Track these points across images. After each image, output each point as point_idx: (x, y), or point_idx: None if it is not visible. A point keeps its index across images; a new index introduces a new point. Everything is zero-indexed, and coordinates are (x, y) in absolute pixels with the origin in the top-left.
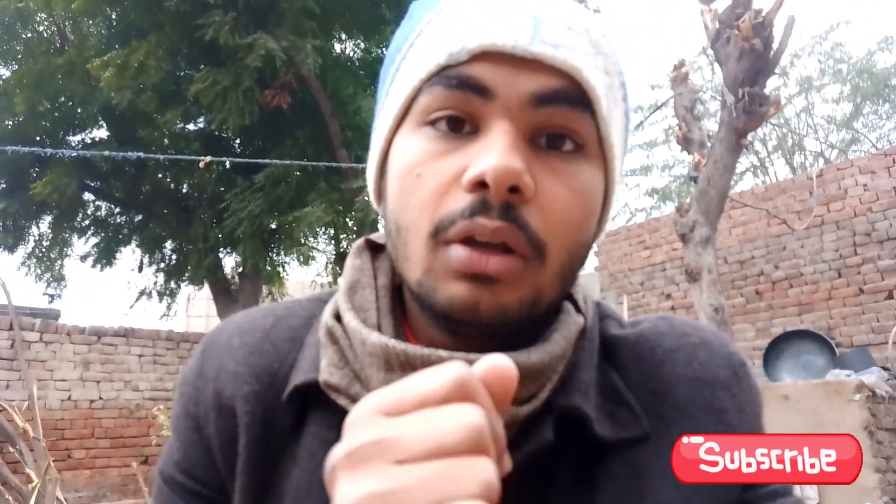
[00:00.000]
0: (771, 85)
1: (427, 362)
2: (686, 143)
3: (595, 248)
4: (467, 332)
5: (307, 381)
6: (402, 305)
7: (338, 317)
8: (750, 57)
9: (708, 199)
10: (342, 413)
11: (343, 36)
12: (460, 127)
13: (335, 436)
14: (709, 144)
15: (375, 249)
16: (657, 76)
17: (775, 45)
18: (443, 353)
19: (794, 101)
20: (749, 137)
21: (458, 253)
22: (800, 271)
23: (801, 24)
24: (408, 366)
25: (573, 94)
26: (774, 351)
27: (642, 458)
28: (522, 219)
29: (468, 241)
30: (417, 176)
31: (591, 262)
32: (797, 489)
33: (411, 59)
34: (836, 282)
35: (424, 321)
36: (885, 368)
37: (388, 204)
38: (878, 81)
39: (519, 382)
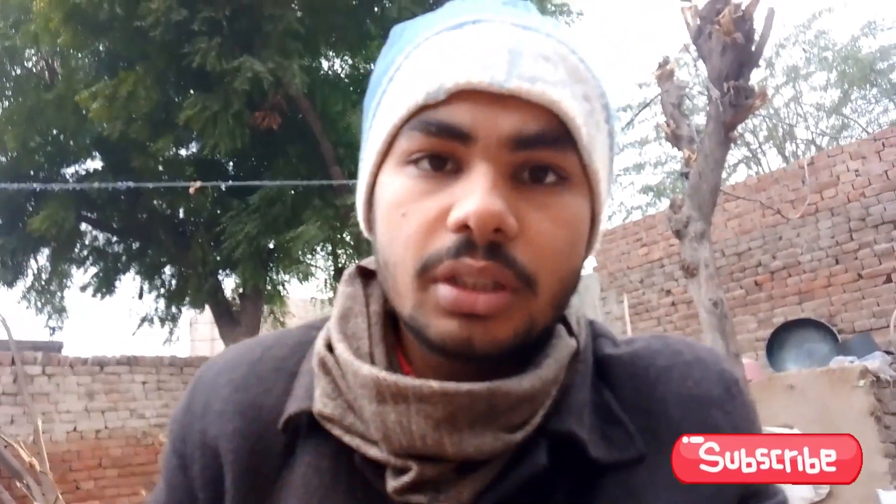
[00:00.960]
0: (757, 77)
1: (418, 393)
2: (675, 139)
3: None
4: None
5: (301, 409)
6: (396, 331)
7: (330, 346)
8: (732, 51)
9: (700, 194)
10: (336, 442)
11: (330, 53)
12: (442, 165)
13: (329, 464)
14: (698, 140)
15: (367, 275)
16: (644, 74)
17: (757, 38)
18: (434, 384)
19: (782, 91)
20: (739, 130)
21: (446, 292)
22: (797, 260)
23: (784, 15)
24: (399, 397)
25: (552, 133)
26: (777, 341)
27: (638, 479)
28: (509, 255)
29: (455, 279)
30: (403, 215)
31: (590, 262)
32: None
33: (391, 93)
34: (835, 268)
35: (419, 348)
36: (888, 353)
37: (376, 237)
38: (864, 66)
39: (513, 409)
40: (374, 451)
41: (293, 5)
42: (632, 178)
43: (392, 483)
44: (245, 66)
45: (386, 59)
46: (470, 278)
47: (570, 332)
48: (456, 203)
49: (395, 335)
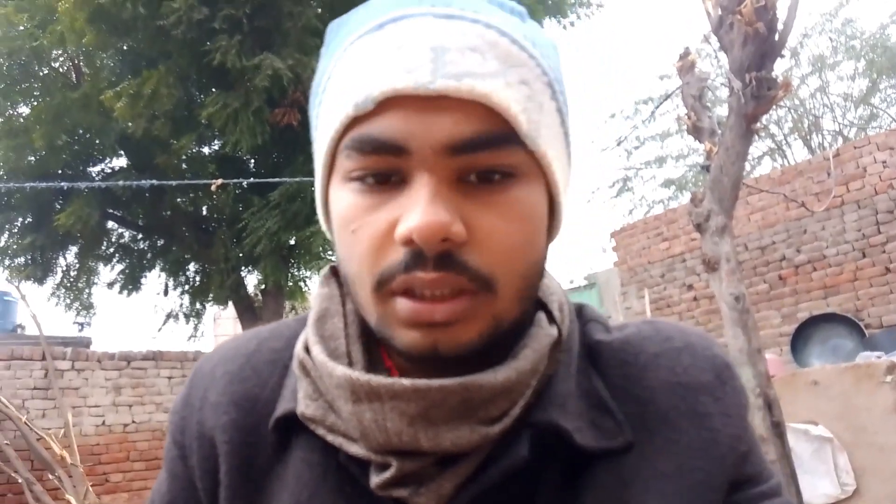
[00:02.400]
0: (781, 67)
1: (391, 392)
2: (697, 132)
3: (613, 242)
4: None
5: (287, 411)
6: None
7: (308, 348)
8: (755, 41)
9: (721, 188)
10: (323, 439)
11: None
12: (387, 178)
13: (319, 458)
14: (720, 132)
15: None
16: (665, 66)
17: (780, 27)
18: (405, 381)
19: (808, 82)
20: (763, 122)
21: (404, 305)
22: (822, 254)
23: (809, 3)
24: (373, 396)
25: (488, 133)
26: (802, 336)
27: (627, 467)
28: (461, 262)
29: (411, 292)
30: (353, 232)
31: (610, 257)
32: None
33: (325, 105)
34: (861, 262)
35: (382, 349)
36: None
37: (336, 250)
38: (894, 55)
39: (489, 402)
40: (355, 449)
41: (312, 2)
42: (653, 172)
43: (375, 479)
44: (265, 64)
45: (322, 65)
46: (425, 290)
47: (552, 320)
48: (401, 217)
49: (362, 333)
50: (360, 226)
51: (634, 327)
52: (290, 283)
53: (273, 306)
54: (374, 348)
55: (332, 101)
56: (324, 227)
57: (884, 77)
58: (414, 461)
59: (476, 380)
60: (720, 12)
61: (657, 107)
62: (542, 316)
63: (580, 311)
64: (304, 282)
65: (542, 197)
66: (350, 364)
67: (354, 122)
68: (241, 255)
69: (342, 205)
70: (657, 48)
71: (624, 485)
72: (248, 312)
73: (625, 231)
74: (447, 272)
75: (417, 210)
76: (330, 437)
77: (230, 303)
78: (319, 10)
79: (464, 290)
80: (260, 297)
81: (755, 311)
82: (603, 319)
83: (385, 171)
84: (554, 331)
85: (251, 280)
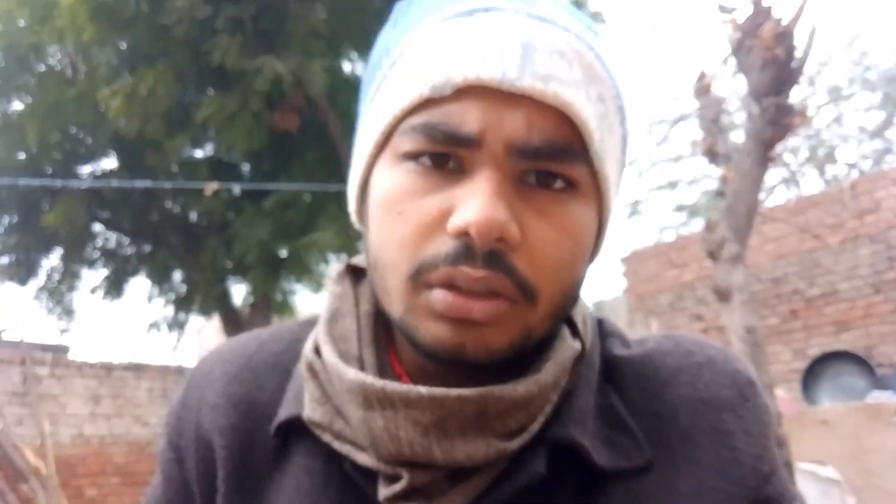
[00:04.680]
0: (799, 95)
1: (406, 399)
2: (712, 155)
3: (623, 268)
4: (451, 367)
5: (291, 416)
6: (388, 330)
7: (318, 349)
8: (773, 67)
9: (737, 215)
10: (327, 446)
11: (353, 54)
12: (444, 162)
13: (321, 466)
14: (736, 158)
15: (358, 273)
16: (680, 87)
17: (799, 55)
18: (422, 389)
19: (824, 111)
20: (778, 149)
21: (441, 297)
22: (835, 288)
23: (828, 32)
24: (386, 403)
25: (562, 141)
26: (812, 373)
27: (645, 488)
28: (509, 265)
29: (451, 285)
30: (398, 214)
31: (618, 283)
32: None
33: (392, 80)
34: (874, 298)
35: (410, 350)
36: None
37: (368, 233)
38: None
39: (507, 415)
40: (363, 458)
41: (318, 5)
42: (665, 196)
43: (383, 491)
44: (267, 66)
45: (388, 38)
46: (467, 285)
47: (575, 333)
48: (457, 207)
49: (386, 335)
50: (408, 209)
51: (654, 342)
52: (280, 296)
53: (260, 320)
54: (384, 353)
55: (402, 78)
56: (353, 211)
57: None
58: (426, 474)
59: (496, 391)
60: (739, 35)
61: (671, 128)
62: (565, 329)
63: (600, 324)
64: (294, 295)
65: (594, 219)
66: (361, 368)
67: (425, 104)
68: (229, 264)
69: (390, 184)
70: (672, 68)
71: None
72: (234, 325)
73: (635, 257)
74: (494, 272)
75: (477, 203)
76: (336, 445)
77: (215, 314)
78: (325, 14)
79: (504, 294)
80: (247, 309)
81: (765, 345)
82: (622, 334)
83: (446, 155)
84: (577, 344)
85: (239, 291)
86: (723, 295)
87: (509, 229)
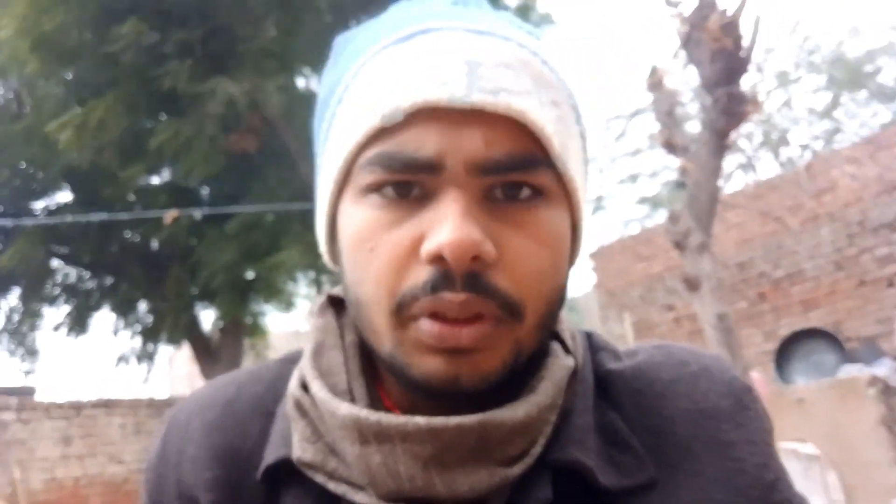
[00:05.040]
0: (749, 82)
1: (403, 432)
2: (670, 147)
3: (592, 264)
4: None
5: (280, 458)
6: (374, 361)
7: (305, 385)
8: (722, 57)
9: (699, 205)
10: (320, 487)
11: (306, 71)
12: (408, 190)
13: None
14: (693, 147)
15: (340, 304)
16: (634, 81)
17: (745, 44)
18: (420, 420)
19: (774, 96)
20: (733, 137)
21: (428, 328)
22: (799, 268)
23: (772, 19)
24: (383, 437)
25: (522, 151)
26: (784, 353)
27: None
28: (490, 285)
29: (435, 314)
30: (370, 250)
31: (589, 280)
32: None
33: (342, 117)
34: (837, 275)
35: (390, 383)
36: (890, 358)
37: (344, 273)
38: (852, 70)
39: (507, 441)
40: (361, 497)
41: (268, 24)
42: (627, 190)
43: None
44: (219, 88)
45: (332, 77)
46: (451, 313)
47: (566, 350)
48: (428, 233)
49: (372, 367)
50: (379, 243)
51: (646, 353)
52: (249, 319)
53: (231, 345)
54: (373, 387)
55: (351, 113)
56: (324, 252)
57: (844, 91)
58: None
59: (495, 417)
60: (688, 28)
61: (627, 123)
62: (556, 346)
63: (589, 338)
64: (263, 317)
65: (567, 222)
66: (352, 401)
67: (378, 135)
68: (196, 290)
69: (357, 221)
70: (625, 64)
71: None
72: (205, 352)
73: (602, 252)
74: (476, 293)
75: (448, 225)
76: (331, 485)
77: (185, 342)
78: (276, 32)
79: (489, 315)
80: (217, 334)
81: (737, 329)
82: (612, 347)
83: (408, 183)
84: (570, 361)
85: (208, 317)
86: (692, 284)
87: (483, 247)
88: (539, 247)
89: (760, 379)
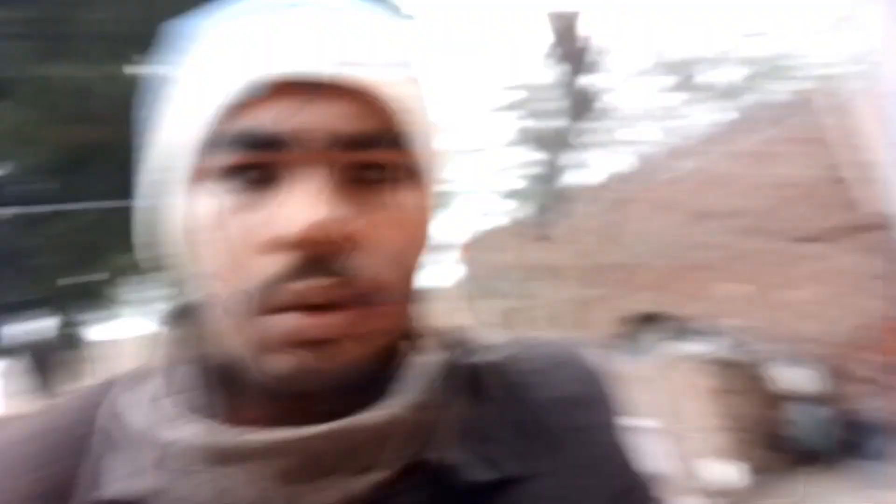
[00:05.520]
0: (600, 81)
1: (262, 447)
2: (530, 142)
3: (458, 255)
4: (306, 399)
5: (114, 498)
6: (224, 374)
7: (134, 407)
8: (575, 58)
9: (558, 197)
10: None
11: (139, 59)
12: (258, 176)
13: None
14: (551, 142)
15: (184, 314)
16: (506, 79)
17: (597, 45)
18: (278, 434)
19: (617, 94)
20: (581, 131)
21: (283, 321)
22: (636, 255)
23: (624, 24)
24: (238, 456)
25: (378, 126)
26: (632, 334)
27: (523, 495)
28: (349, 269)
29: (292, 306)
30: (220, 242)
31: (458, 271)
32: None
33: (180, 101)
34: (674, 262)
35: (250, 392)
36: (722, 335)
37: (188, 270)
38: (676, 72)
39: (374, 445)
40: None
41: (102, 8)
42: (490, 183)
43: None
44: (53, 73)
45: (172, 57)
46: (310, 301)
47: (434, 345)
48: (280, 218)
49: (218, 380)
50: (230, 233)
51: (509, 348)
52: (79, 329)
53: (67, 360)
54: (215, 403)
55: (191, 96)
56: (170, 250)
57: (673, 93)
58: None
59: (359, 421)
60: (551, 30)
61: (499, 117)
62: (422, 341)
63: (457, 333)
64: (101, 326)
65: (423, 201)
66: (209, 417)
67: (226, 115)
68: (16, 301)
69: (205, 212)
70: (492, 60)
71: None
72: (37, 369)
73: (468, 244)
74: (332, 279)
75: (301, 208)
76: None
77: (18, 359)
78: (109, 19)
79: (348, 301)
80: (46, 346)
81: (588, 313)
82: (477, 341)
83: (259, 165)
84: (437, 356)
85: (34, 327)
86: (552, 273)
87: (340, 229)
88: (395, 228)
89: (609, 359)
